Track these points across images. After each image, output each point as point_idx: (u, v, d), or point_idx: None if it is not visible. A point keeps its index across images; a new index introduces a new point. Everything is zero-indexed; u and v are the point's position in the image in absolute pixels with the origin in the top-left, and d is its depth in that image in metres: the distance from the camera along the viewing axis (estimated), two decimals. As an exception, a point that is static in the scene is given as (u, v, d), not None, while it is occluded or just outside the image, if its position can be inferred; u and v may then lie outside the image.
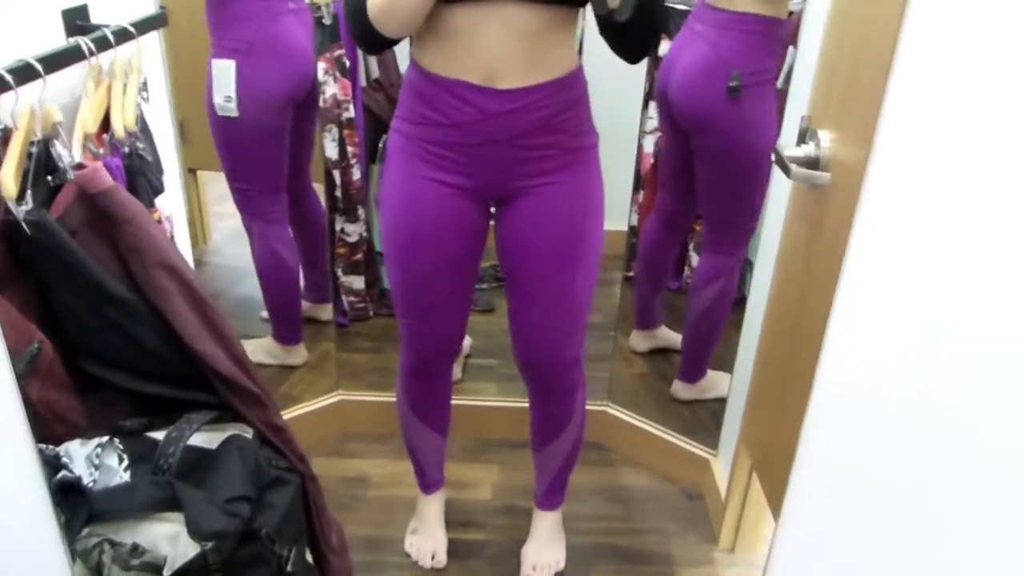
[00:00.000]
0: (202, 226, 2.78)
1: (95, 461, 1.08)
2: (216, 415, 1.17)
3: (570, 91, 1.36)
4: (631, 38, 1.31)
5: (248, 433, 1.19)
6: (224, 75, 1.89)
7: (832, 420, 1.01)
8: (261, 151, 2.01)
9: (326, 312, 2.39)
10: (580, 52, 2.47)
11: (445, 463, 1.88)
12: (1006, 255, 0.76)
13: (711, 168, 1.98)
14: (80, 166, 1.05)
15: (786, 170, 1.31)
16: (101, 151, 1.16)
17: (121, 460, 1.10)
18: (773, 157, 1.39)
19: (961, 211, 0.81)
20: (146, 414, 1.20)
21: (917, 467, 0.89)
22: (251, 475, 1.11)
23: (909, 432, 0.89)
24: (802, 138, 1.36)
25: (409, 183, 1.42)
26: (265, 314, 2.28)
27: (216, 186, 2.85)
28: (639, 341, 2.38)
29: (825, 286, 1.27)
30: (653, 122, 2.16)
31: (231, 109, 1.92)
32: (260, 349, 2.26)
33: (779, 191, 1.59)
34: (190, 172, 2.50)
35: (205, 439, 1.15)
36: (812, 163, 1.32)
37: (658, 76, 1.97)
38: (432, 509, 1.88)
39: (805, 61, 1.46)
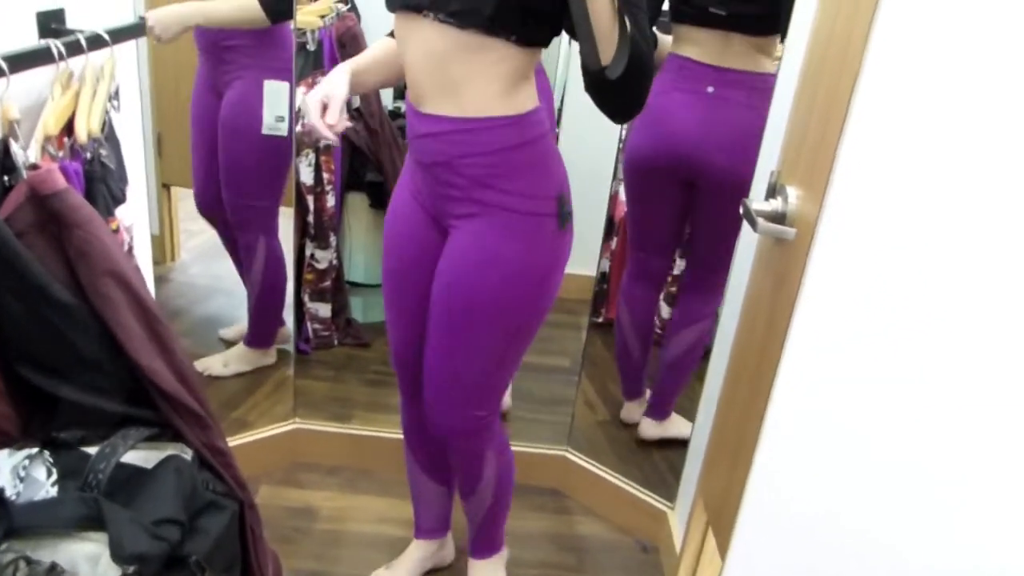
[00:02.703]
0: (172, 243, 2.74)
1: (21, 473, 1.03)
2: (154, 432, 1.13)
3: (485, 137, 1.22)
4: (620, 96, 1.21)
5: (188, 454, 1.15)
6: (278, 96, 1.92)
7: (777, 471, 1.00)
8: (286, 166, 2.04)
9: (269, 357, 2.36)
10: (562, 98, 2.48)
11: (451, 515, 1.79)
12: (947, 314, 0.77)
13: (718, 214, 1.93)
14: (34, 167, 1.03)
15: (753, 223, 1.32)
16: (60, 154, 1.14)
17: (50, 474, 1.05)
18: (741, 210, 1.40)
19: (906, 273, 0.82)
20: (84, 427, 1.16)
21: (859, 520, 0.88)
22: (185, 498, 1.07)
23: (854, 484, 0.88)
24: (771, 193, 1.36)
25: (398, 193, 1.43)
26: (225, 333, 2.25)
27: (188, 203, 2.82)
28: (634, 412, 2.27)
29: (785, 340, 1.27)
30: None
31: (281, 128, 1.95)
32: (235, 359, 2.24)
33: (747, 244, 1.59)
34: (164, 188, 2.48)
35: (141, 457, 1.11)
36: (779, 218, 1.32)
37: (656, 138, 1.90)
38: (413, 554, 1.79)
39: (777, 117, 1.48)
